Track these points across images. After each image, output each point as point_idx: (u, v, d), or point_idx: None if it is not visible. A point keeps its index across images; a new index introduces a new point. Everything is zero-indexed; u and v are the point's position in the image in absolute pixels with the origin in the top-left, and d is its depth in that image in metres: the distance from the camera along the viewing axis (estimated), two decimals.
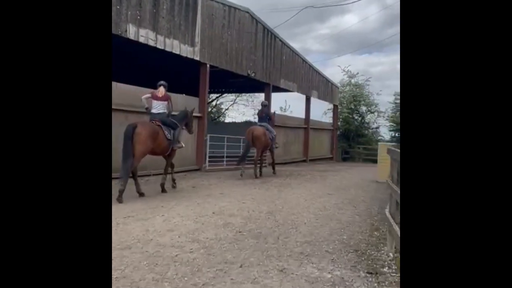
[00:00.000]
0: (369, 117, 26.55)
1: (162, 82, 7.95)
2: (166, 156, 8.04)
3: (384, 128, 26.65)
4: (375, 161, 22.50)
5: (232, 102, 30.74)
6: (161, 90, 7.78)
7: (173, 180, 8.40)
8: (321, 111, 26.69)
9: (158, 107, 7.74)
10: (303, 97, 20.03)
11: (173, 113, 8.19)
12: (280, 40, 16.71)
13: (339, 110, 24.55)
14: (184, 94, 11.96)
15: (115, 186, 6.78)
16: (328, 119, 25.41)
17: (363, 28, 59.83)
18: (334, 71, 78.69)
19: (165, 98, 7.83)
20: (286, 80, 17.40)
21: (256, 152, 11.20)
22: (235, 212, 6.11)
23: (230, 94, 28.92)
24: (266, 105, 12.13)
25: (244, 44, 14.08)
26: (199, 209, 6.25)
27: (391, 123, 25.41)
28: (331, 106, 25.40)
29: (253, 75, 14.51)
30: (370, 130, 26.51)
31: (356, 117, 25.92)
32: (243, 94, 28.93)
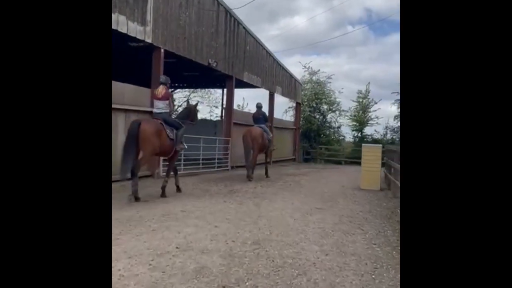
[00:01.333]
0: (330, 116, 25.44)
1: (162, 79, 7.63)
2: (168, 158, 7.81)
3: (346, 127, 25.67)
4: (338, 162, 21.83)
5: (185, 98, 28.44)
6: (160, 90, 7.44)
7: (177, 186, 8.03)
8: (282, 109, 25.29)
9: (159, 106, 7.43)
10: (262, 94, 18.40)
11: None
12: (244, 28, 14.87)
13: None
14: (132, 85, 9.84)
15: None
16: (289, 117, 24.02)
17: (312, 30, 60.94)
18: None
19: (165, 97, 7.44)
20: (250, 73, 15.61)
21: (253, 154, 10.80)
22: (209, 244, 4.30)
23: (183, 90, 26.69)
24: (261, 107, 11.64)
25: (205, 28, 12.13)
26: (156, 240, 4.36)
27: (354, 123, 24.46)
28: (291, 104, 24.06)
29: (214, 64, 12.57)
30: (332, 130, 25.39)
31: (317, 116, 24.70)
32: (198, 90, 26.82)
